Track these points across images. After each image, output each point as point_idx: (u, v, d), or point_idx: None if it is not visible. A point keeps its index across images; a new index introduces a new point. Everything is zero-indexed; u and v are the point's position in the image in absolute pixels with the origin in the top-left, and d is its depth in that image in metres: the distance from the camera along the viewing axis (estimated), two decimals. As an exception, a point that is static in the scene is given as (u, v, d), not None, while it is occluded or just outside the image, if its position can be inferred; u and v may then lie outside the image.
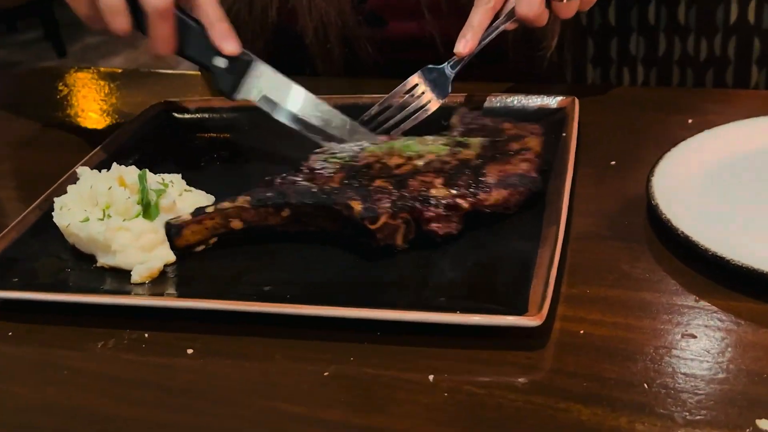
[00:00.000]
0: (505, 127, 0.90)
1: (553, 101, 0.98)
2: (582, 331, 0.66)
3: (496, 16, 0.93)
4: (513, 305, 0.66)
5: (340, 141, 0.91)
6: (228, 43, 0.88)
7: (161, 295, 0.75)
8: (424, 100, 0.94)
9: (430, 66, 0.95)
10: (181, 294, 0.76)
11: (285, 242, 0.80)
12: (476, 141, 0.87)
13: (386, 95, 0.95)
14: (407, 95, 0.94)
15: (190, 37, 0.88)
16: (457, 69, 0.95)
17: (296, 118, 0.95)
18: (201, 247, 0.83)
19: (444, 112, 0.96)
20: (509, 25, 0.92)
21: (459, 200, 0.77)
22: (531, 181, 0.80)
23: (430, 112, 0.94)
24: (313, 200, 0.78)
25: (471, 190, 0.77)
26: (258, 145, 1.01)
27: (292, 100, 0.93)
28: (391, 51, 1.16)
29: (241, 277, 0.80)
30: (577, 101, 0.95)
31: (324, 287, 0.74)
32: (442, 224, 0.77)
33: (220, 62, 0.90)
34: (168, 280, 0.77)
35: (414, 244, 0.77)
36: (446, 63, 0.95)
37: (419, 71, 0.95)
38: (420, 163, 0.85)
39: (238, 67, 0.91)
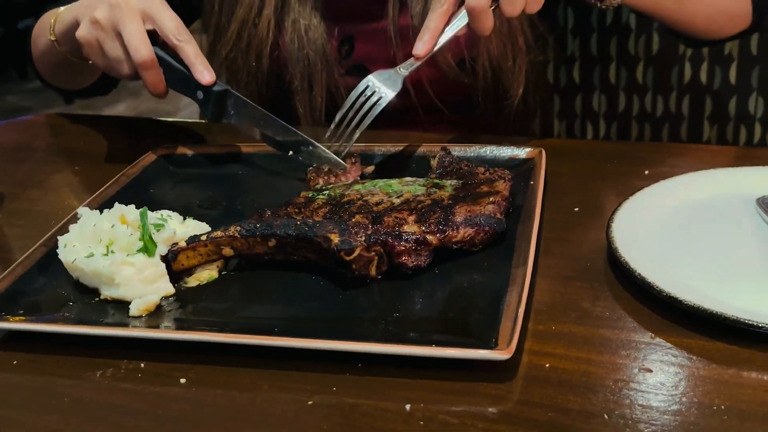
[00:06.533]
0: (478, 171, 0.91)
1: (522, 152, 0.99)
2: (547, 365, 0.66)
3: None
4: (484, 340, 0.66)
5: (306, 157, 1.00)
6: (204, 74, 0.99)
7: (157, 327, 0.74)
8: (375, 97, 0.92)
9: (382, 70, 0.94)
10: (176, 327, 0.75)
11: (272, 275, 0.81)
12: (450, 183, 0.88)
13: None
14: (362, 96, 0.93)
15: (176, 77, 1.01)
16: (409, 71, 0.93)
17: (266, 136, 1.02)
18: (195, 283, 0.83)
19: (425, 160, 1.00)
20: (461, 30, 0.91)
21: (428, 236, 0.77)
22: (496, 222, 0.81)
23: (383, 105, 0.92)
24: (296, 232, 0.79)
25: (440, 227, 0.78)
26: (251, 185, 1.03)
27: (263, 122, 1.02)
28: None
29: (231, 311, 0.79)
30: (543, 152, 0.97)
31: (308, 321, 0.74)
32: (412, 257, 0.77)
33: (200, 94, 1.00)
34: (164, 314, 0.76)
35: (388, 275, 0.78)
36: (399, 66, 0.93)
37: (372, 74, 0.93)
38: (397, 201, 0.86)
39: (217, 96, 1.00)
